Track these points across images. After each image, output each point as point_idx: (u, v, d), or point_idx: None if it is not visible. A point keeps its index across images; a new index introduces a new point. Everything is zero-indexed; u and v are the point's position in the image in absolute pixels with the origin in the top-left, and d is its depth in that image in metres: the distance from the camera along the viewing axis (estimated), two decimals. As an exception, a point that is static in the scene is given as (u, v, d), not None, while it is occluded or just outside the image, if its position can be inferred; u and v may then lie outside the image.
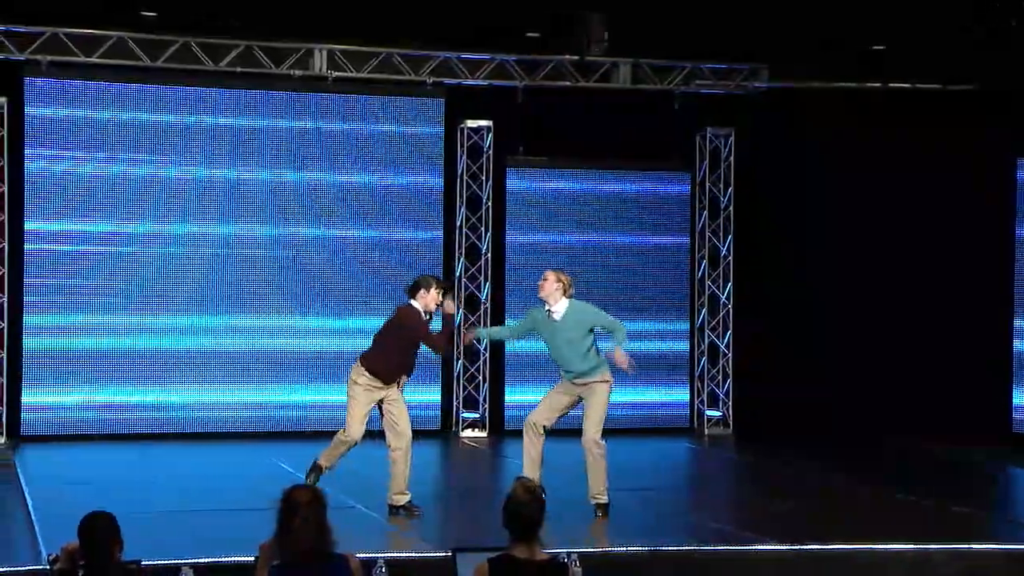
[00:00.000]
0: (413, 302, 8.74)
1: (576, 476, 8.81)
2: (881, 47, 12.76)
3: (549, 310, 8.72)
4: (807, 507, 9.45)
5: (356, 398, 8.72)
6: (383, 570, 5.43)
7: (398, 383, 8.78)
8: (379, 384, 8.69)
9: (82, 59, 12.04)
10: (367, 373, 8.69)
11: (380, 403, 8.77)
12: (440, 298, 8.73)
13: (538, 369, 12.30)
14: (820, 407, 13.14)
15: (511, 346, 13.05)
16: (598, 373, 8.69)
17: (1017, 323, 12.69)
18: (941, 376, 12.97)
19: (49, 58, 11.93)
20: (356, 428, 8.73)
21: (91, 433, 12.06)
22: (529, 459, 8.74)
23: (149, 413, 12.25)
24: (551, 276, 8.74)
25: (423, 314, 8.74)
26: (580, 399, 8.81)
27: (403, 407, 8.74)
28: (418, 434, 9.04)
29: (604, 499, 8.70)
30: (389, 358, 8.71)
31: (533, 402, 12.57)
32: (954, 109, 13.28)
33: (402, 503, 8.66)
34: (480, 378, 13.19)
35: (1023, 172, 12.68)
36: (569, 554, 5.42)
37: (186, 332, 12.32)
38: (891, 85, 13.47)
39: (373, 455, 9.13)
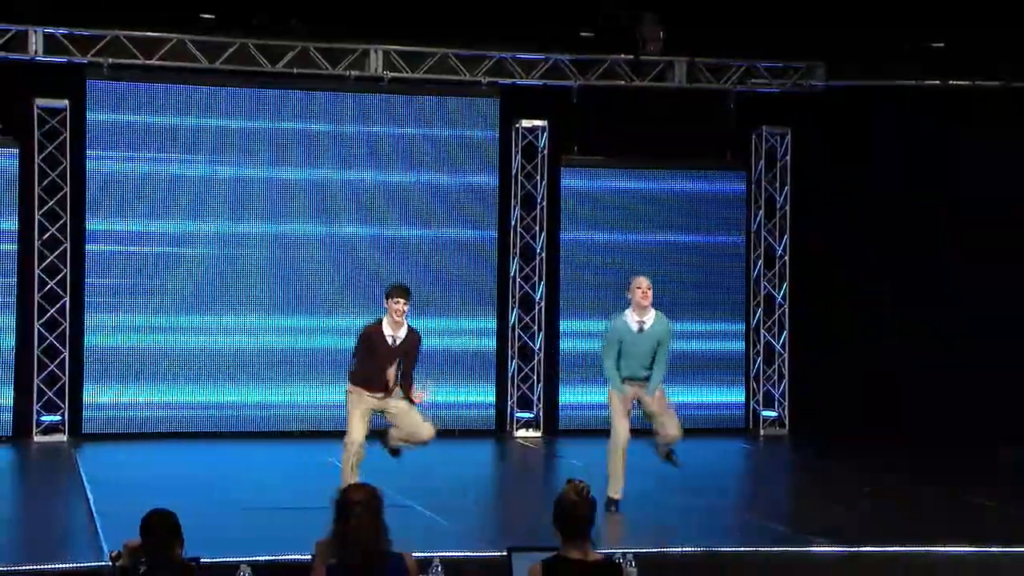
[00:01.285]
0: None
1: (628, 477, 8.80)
2: (940, 44, 12.61)
3: (641, 321, 8.75)
4: (864, 508, 9.37)
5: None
6: (439, 569, 5.45)
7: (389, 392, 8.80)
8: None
9: (142, 61, 12.20)
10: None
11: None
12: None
13: (591, 369, 12.27)
14: (876, 407, 13.01)
15: (566, 344, 13.09)
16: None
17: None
18: (1004, 377, 12.78)
19: (110, 60, 12.10)
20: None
21: (152, 431, 12.20)
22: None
23: (209, 412, 12.37)
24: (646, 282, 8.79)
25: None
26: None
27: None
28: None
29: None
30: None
31: (587, 402, 12.78)
32: (1016, 107, 13.09)
33: None
34: (534, 378, 13.19)
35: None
36: (624, 554, 5.41)
37: (245, 332, 12.42)
38: (951, 83, 13.31)
39: (424, 455, 9.15)
